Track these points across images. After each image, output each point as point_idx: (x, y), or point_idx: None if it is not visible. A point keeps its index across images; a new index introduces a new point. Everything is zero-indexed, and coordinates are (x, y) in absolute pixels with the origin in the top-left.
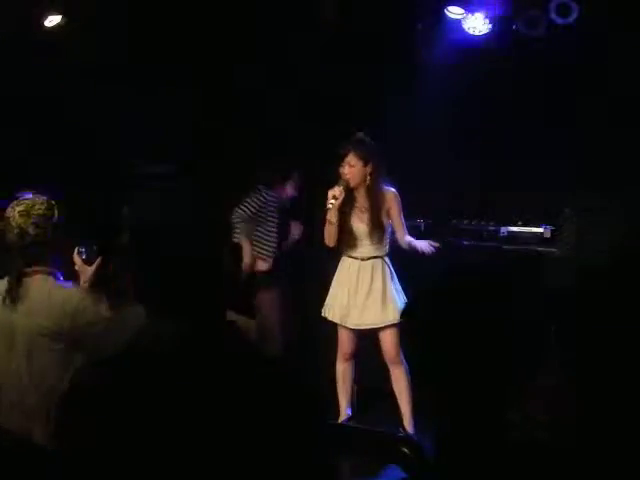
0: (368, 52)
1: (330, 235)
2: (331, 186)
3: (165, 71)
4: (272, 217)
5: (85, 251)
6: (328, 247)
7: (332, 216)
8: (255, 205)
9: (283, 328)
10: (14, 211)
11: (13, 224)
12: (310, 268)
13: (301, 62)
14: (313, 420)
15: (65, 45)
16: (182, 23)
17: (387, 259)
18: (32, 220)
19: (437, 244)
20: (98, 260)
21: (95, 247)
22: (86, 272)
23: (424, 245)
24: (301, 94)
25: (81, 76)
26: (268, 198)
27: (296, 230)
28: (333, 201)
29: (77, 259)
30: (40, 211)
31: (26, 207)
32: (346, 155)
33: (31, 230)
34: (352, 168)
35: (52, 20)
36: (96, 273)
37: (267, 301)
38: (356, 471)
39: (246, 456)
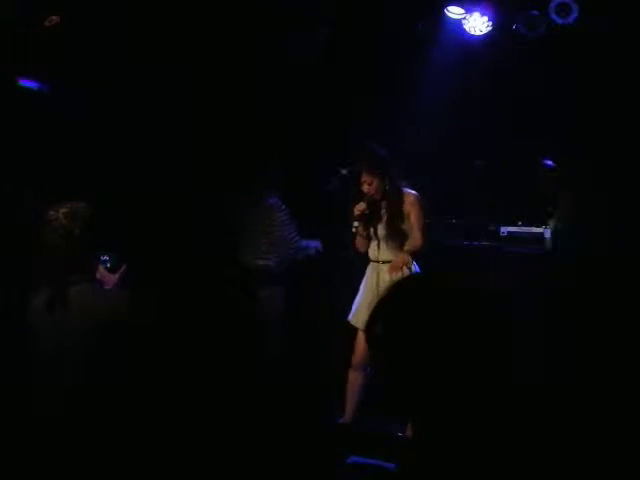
0: (368, 52)
1: (361, 244)
2: (356, 200)
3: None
4: (286, 220)
5: (108, 260)
6: (359, 253)
7: (361, 231)
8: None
9: (289, 328)
10: (57, 213)
11: (57, 225)
12: (343, 272)
13: (300, 62)
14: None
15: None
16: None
17: (414, 264)
18: (79, 222)
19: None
20: (123, 268)
21: (118, 256)
22: (109, 281)
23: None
24: (301, 94)
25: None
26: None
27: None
28: (357, 223)
29: (100, 268)
30: (85, 213)
31: (71, 209)
32: (360, 173)
33: (77, 232)
34: (371, 186)
35: (52, 20)
36: (120, 281)
37: (269, 298)
38: (356, 471)
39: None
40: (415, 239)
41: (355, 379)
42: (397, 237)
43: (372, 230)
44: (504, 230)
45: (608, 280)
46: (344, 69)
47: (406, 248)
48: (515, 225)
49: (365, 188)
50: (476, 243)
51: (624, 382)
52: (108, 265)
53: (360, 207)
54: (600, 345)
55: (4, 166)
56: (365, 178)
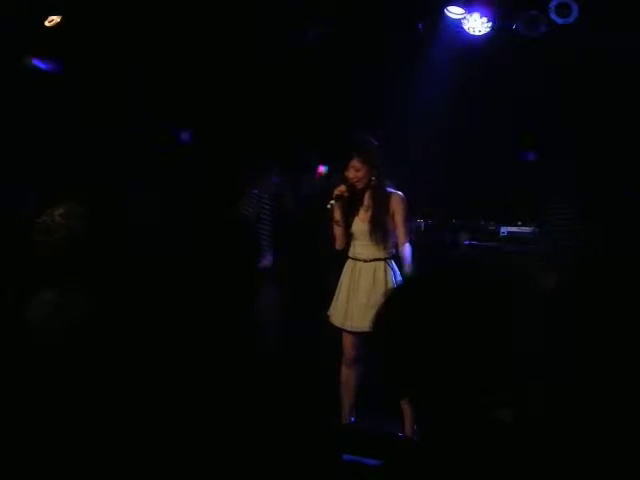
0: (368, 52)
1: (337, 236)
2: (336, 187)
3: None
4: (266, 216)
5: None
6: (336, 250)
7: (337, 215)
8: (252, 210)
9: (283, 327)
10: (52, 216)
11: (55, 228)
12: (325, 270)
13: (300, 61)
14: None
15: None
16: (180, 23)
17: (391, 262)
18: (76, 223)
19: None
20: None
21: None
22: None
23: (408, 264)
24: (301, 94)
25: None
26: (261, 198)
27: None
28: (333, 202)
29: None
30: (81, 212)
31: (66, 209)
32: (350, 158)
33: (77, 233)
34: (358, 172)
35: (52, 20)
36: None
37: (264, 298)
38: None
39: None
40: (400, 238)
41: (348, 376)
42: (377, 234)
43: (350, 224)
44: (504, 230)
45: (608, 280)
46: (344, 69)
47: (404, 255)
48: (515, 225)
49: (351, 173)
50: (476, 243)
51: (624, 382)
52: None
53: (341, 189)
54: (600, 345)
55: (6, 164)
56: (354, 163)
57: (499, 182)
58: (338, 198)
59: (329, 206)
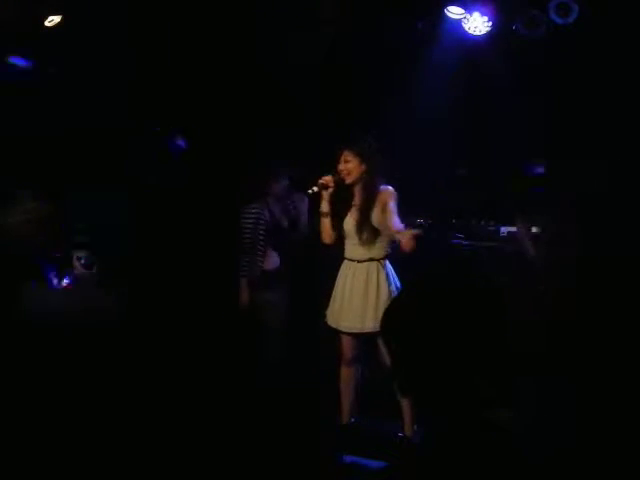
0: (368, 52)
1: (324, 229)
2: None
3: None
4: (262, 230)
5: (84, 257)
6: (325, 244)
7: (323, 206)
8: (250, 226)
9: (288, 328)
10: (13, 218)
11: (15, 234)
12: (324, 270)
13: (300, 62)
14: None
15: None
16: (181, 23)
17: (386, 262)
18: (41, 229)
19: (416, 232)
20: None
21: (93, 253)
22: (85, 276)
23: (405, 239)
24: (301, 94)
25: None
26: (259, 214)
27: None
28: (315, 188)
29: (77, 264)
30: (46, 217)
31: (31, 213)
32: (342, 152)
33: (40, 240)
34: (348, 164)
35: (52, 20)
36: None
37: (272, 301)
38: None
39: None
40: (393, 225)
41: (347, 376)
42: (362, 234)
43: (341, 222)
44: (504, 230)
45: (608, 280)
46: (344, 69)
47: (383, 245)
48: (515, 225)
49: (341, 165)
50: (476, 243)
51: (624, 381)
52: (83, 262)
53: (326, 178)
54: (599, 344)
55: None
56: (346, 155)
57: (499, 182)
58: (322, 187)
59: (310, 192)
